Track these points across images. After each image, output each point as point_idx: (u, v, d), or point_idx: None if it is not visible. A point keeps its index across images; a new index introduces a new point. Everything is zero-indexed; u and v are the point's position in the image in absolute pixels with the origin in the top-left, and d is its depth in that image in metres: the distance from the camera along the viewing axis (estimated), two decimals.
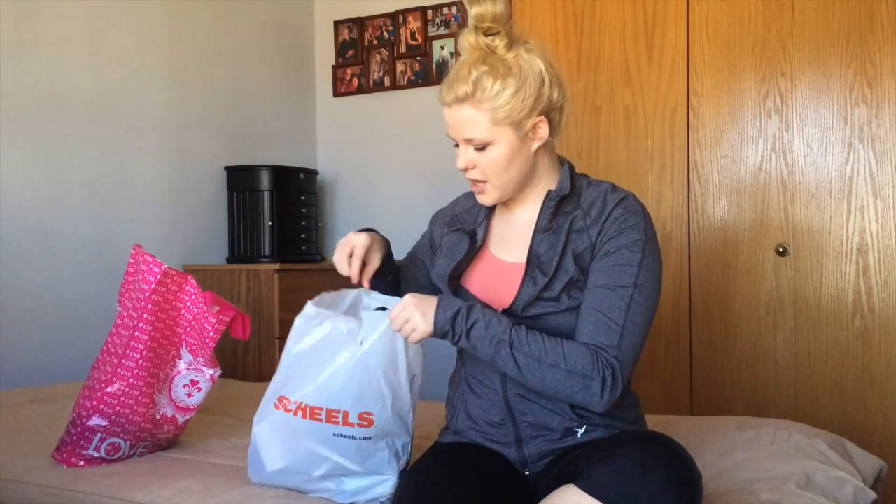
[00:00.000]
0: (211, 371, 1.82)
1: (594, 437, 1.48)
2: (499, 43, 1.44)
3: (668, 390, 3.07)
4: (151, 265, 1.77)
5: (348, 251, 1.57)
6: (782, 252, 2.87)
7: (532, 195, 1.56)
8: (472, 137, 1.45)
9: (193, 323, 1.81)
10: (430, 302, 1.42)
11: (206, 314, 1.80)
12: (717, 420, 2.10)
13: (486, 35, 1.44)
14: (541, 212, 1.52)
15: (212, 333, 1.81)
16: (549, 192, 1.52)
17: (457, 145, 1.50)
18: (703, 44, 3.02)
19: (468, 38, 1.45)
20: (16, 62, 2.80)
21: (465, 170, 1.49)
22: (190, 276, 1.84)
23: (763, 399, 2.90)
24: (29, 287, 2.82)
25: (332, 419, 1.50)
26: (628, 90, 3.15)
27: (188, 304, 1.82)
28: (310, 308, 1.57)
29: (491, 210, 1.63)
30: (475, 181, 1.51)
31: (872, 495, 1.66)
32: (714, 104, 3.01)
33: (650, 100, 3.11)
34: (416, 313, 1.41)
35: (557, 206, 1.51)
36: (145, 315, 1.73)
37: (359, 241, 1.57)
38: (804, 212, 2.86)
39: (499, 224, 1.62)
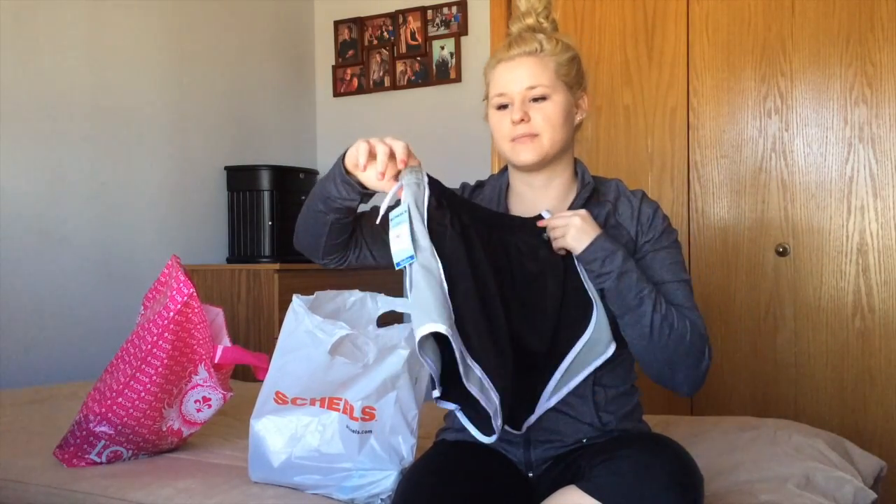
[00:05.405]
0: (223, 391, 1.82)
1: (598, 441, 1.48)
2: (547, 26, 1.59)
3: (668, 390, 3.06)
4: (182, 286, 1.75)
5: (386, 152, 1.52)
6: (782, 252, 2.87)
7: (553, 183, 1.58)
8: (535, 85, 1.51)
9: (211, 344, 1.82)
10: (595, 228, 1.45)
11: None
12: (717, 420, 2.10)
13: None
14: (575, 198, 1.56)
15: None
16: (583, 174, 1.58)
17: (503, 107, 1.54)
18: (703, 44, 3.02)
19: (526, 21, 1.58)
20: (16, 62, 2.80)
21: (521, 121, 1.51)
22: (219, 312, 1.86)
23: (763, 399, 2.90)
24: (29, 287, 2.81)
25: (334, 407, 1.51)
26: (628, 90, 3.15)
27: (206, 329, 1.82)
28: (296, 302, 1.58)
29: (504, 209, 1.62)
30: (523, 136, 1.52)
31: (872, 495, 1.66)
32: (714, 104, 3.01)
33: (650, 100, 3.11)
34: (576, 227, 1.43)
35: (589, 196, 1.55)
36: (166, 334, 1.73)
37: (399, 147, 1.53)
38: (804, 212, 2.86)
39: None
